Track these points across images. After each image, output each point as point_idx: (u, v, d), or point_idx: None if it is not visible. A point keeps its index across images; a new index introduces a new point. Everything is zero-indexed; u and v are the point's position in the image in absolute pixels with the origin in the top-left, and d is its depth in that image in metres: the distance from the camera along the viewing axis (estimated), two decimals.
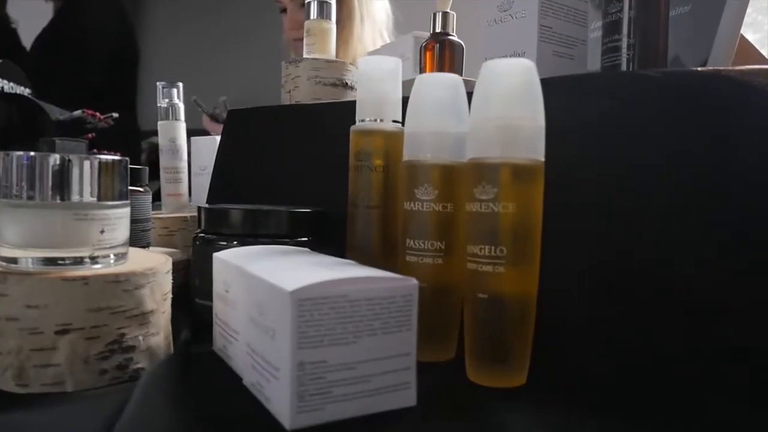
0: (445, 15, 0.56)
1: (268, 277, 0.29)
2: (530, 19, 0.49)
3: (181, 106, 0.76)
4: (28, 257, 0.30)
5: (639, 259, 0.38)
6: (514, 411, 0.30)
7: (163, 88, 0.75)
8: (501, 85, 0.33)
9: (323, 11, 0.63)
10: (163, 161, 0.76)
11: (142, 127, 1.90)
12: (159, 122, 0.76)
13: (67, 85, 1.67)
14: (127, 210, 0.34)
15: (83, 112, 1.08)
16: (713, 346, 0.35)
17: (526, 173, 0.33)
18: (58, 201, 0.31)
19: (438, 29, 0.56)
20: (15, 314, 0.30)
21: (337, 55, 1.16)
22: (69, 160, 0.31)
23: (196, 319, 0.46)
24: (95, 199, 0.32)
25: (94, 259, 0.32)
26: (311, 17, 0.63)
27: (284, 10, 1.17)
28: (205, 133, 1.17)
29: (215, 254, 0.39)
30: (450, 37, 0.56)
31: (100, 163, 0.32)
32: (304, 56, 0.63)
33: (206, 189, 0.78)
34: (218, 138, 0.85)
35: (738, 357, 0.34)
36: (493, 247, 0.33)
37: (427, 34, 0.66)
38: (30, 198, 0.31)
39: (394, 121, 0.43)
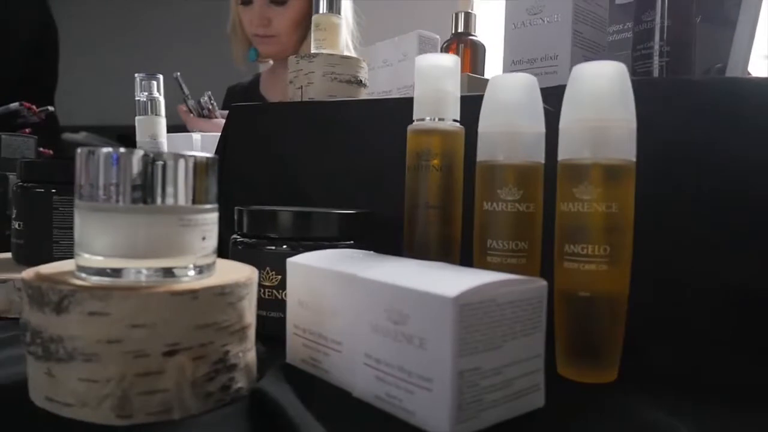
0: (467, 15, 0.56)
1: (408, 283, 0.27)
2: (564, 24, 0.50)
3: (162, 100, 0.70)
4: (140, 268, 0.26)
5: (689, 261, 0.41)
6: (640, 404, 0.30)
7: (141, 80, 0.70)
8: (597, 87, 0.34)
9: (333, 5, 0.60)
10: None
11: (61, 122, 1.73)
12: (137, 117, 0.70)
13: None
14: (217, 214, 0.30)
15: (21, 104, 0.97)
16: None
17: (625, 173, 0.34)
18: (159, 205, 0.27)
19: (460, 29, 0.56)
20: (118, 336, 0.26)
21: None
22: (162, 160, 0.27)
23: None
24: (191, 202, 0.28)
25: (197, 269, 0.28)
26: (320, 11, 0.60)
27: (245, 2, 1.12)
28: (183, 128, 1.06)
29: (290, 260, 0.36)
30: (472, 37, 0.57)
31: (195, 162, 0.28)
32: (312, 51, 0.61)
33: None
34: (195, 135, 0.79)
35: None
36: (597, 246, 0.33)
37: (431, 34, 0.66)
38: (121, 201, 0.27)
39: (454, 120, 0.42)
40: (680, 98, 0.42)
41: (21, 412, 0.28)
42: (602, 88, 0.34)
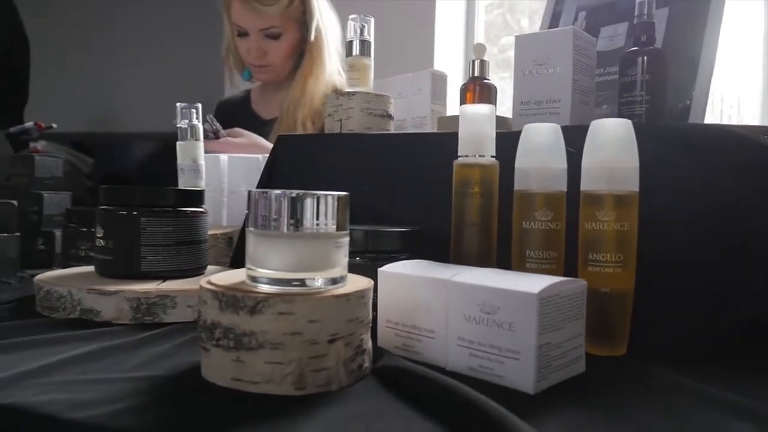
0: (482, 62, 0.68)
1: (497, 284, 0.38)
2: (565, 74, 0.62)
3: (200, 127, 0.78)
4: (313, 279, 0.36)
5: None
6: (649, 368, 0.43)
7: (182, 109, 0.77)
8: (610, 137, 0.46)
9: (364, 49, 0.71)
10: (183, 181, 0.77)
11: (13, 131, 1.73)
12: (179, 143, 0.78)
13: None
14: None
15: (35, 123, 1.02)
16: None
17: (631, 200, 0.46)
18: (320, 232, 0.37)
19: (476, 74, 0.68)
20: (299, 329, 0.35)
21: (306, 87, 1.21)
22: (317, 197, 0.37)
23: None
24: (337, 229, 0.38)
25: (343, 279, 0.38)
26: (354, 54, 0.70)
27: (241, 34, 1.19)
28: None
29: (381, 269, 0.46)
30: (486, 81, 0.68)
31: (337, 198, 0.38)
32: (348, 90, 0.70)
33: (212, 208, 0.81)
34: (222, 156, 0.87)
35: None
36: (613, 255, 0.46)
37: (442, 72, 0.77)
38: (292, 229, 0.36)
39: (491, 156, 0.54)
40: (659, 139, 0.56)
41: (205, 390, 0.37)
42: (614, 138, 0.46)
